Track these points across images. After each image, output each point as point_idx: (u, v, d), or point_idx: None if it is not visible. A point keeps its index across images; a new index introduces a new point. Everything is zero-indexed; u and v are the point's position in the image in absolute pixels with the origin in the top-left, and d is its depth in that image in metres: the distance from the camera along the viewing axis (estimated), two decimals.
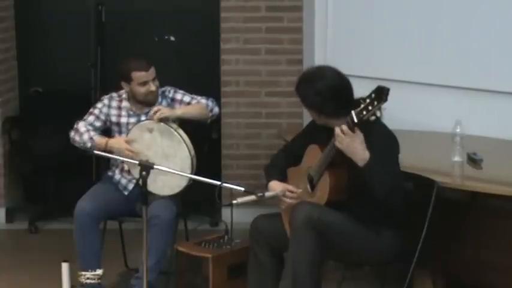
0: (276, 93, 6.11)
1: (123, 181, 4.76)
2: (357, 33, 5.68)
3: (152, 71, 4.68)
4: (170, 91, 4.80)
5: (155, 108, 4.60)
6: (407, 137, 4.63)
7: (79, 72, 6.25)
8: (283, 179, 4.13)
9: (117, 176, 4.78)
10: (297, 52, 6.10)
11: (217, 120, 5.86)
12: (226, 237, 4.63)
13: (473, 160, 4.33)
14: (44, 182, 6.28)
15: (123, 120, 4.76)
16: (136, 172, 4.48)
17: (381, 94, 3.54)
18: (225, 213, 5.72)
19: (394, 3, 5.48)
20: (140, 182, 3.82)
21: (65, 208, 5.58)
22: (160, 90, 4.77)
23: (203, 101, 4.79)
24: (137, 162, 3.88)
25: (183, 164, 4.48)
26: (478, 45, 5.03)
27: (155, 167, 3.82)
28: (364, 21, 5.64)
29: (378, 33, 5.56)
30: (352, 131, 3.66)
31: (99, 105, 4.80)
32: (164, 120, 4.54)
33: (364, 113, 3.59)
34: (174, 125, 4.57)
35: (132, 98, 4.73)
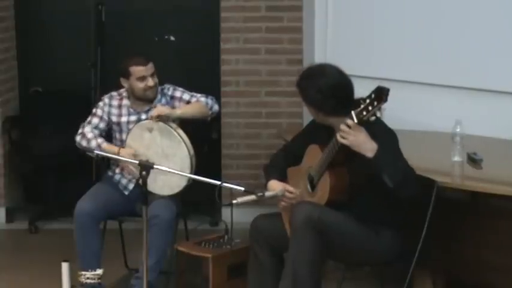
0: (276, 93, 6.11)
1: (124, 181, 4.76)
2: (357, 33, 5.68)
3: (151, 66, 4.68)
4: (169, 89, 4.80)
5: (154, 110, 4.60)
6: (408, 137, 4.63)
7: (79, 72, 6.25)
8: (282, 178, 4.13)
9: (117, 176, 4.78)
10: (297, 52, 6.10)
11: (217, 120, 5.87)
12: (226, 237, 4.64)
13: (473, 160, 4.32)
14: (44, 182, 6.29)
15: (124, 119, 4.76)
16: (136, 174, 4.49)
17: (380, 94, 3.54)
18: (225, 213, 5.72)
19: (394, 3, 5.48)
20: (140, 182, 3.82)
21: (65, 208, 5.59)
22: (160, 88, 4.77)
23: (202, 99, 4.78)
24: (137, 162, 3.88)
25: (183, 164, 4.48)
26: (478, 45, 5.03)
27: (155, 166, 3.82)
28: (364, 21, 5.64)
29: (378, 33, 5.55)
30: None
31: (100, 105, 4.80)
32: (164, 119, 4.54)
33: (364, 113, 3.59)
34: (174, 125, 4.57)
35: (132, 94, 4.73)
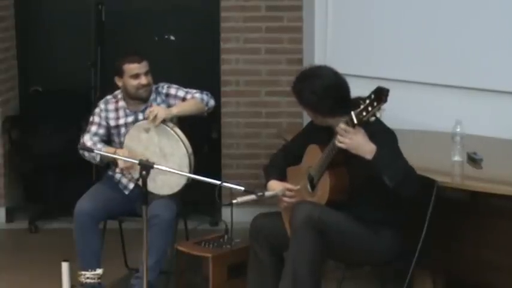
0: (276, 93, 6.11)
1: (124, 180, 4.76)
2: (357, 33, 5.68)
3: (144, 65, 4.67)
4: (164, 87, 4.79)
5: (151, 109, 4.59)
6: (408, 136, 4.63)
7: (79, 72, 6.26)
8: (282, 178, 4.13)
9: (118, 176, 4.77)
10: (297, 52, 6.10)
11: (217, 119, 5.87)
12: (226, 236, 4.63)
13: (473, 160, 4.32)
14: (44, 181, 6.29)
15: (121, 121, 4.75)
16: (136, 173, 4.48)
17: (380, 95, 3.53)
18: (225, 212, 5.72)
19: (394, 3, 5.48)
20: (140, 181, 3.82)
21: (65, 208, 5.59)
22: (154, 86, 4.77)
23: (197, 95, 4.76)
24: (137, 161, 3.87)
25: (181, 163, 4.47)
26: (478, 45, 5.03)
27: (155, 166, 3.82)
28: (364, 21, 5.64)
29: (378, 33, 5.55)
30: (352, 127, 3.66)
31: (97, 111, 4.79)
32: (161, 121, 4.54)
33: (364, 114, 3.58)
34: (171, 124, 4.57)
35: (125, 93, 4.72)
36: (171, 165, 4.27)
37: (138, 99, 4.71)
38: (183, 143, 4.50)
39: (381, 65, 5.47)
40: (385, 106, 3.56)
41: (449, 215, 4.20)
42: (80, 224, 4.55)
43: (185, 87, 4.82)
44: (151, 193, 4.27)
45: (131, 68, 4.65)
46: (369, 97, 3.57)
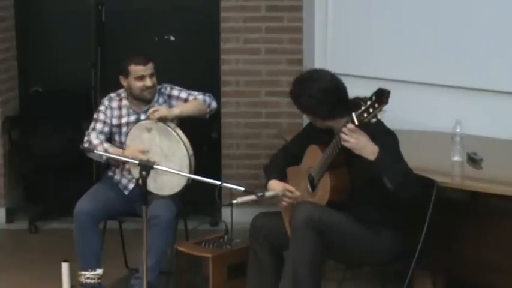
0: (276, 93, 6.11)
1: (124, 181, 4.76)
2: (357, 33, 5.68)
3: (150, 67, 4.67)
4: (167, 88, 4.79)
5: (153, 108, 4.60)
6: (408, 137, 4.63)
7: (79, 72, 6.25)
8: (282, 179, 4.13)
9: (117, 176, 4.77)
10: (297, 52, 6.10)
11: (217, 119, 5.87)
12: (226, 237, 4.63)
13: (473, 160, 4.32)
14: (44, 182, 6.28)
15: (123, 120, 4.75)
16: (136, 172, 4.48)
17: (381, 96, 3.53)
18: (225, 213, 5.72)
19: (393, 3, 5.48)
20: (140, 181, 3.82)
21: (65, 208, 5.59)
22: (157, 87, 4.77)
23: (200, 96, 4.77)
24: (137, 162, 3.88)
25: (182, 163, 4.47)
26: (478, 45, 5.03)
27: (155, 166, 3.82)
28: (364, 21, 5.64)
29: (377, 33, 5.55)
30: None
31: (102, 109, 4.77)
32: (162, 119, 4.54)
33: (365, 115, 3.58)
34: (172, 125, 4.57)
35: (130, 94, 4.72)
36: (172, 166, 4.27)
37: (142, 100, 4.71)
38: (184, 144, 4.51)
39: (381, 65, 5.47)
40: (385, 107, 3.56)
41: (449, 215, 4.20)
42: (80, 224, 4.55)
43: (187, 89, 4.83)
44: (151, 193, 4.27)
45: (137, 69, 4.64)
46: (369, 98, 3.57)
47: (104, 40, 6.24)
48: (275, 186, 4.07)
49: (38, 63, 6.43)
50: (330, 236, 3.81)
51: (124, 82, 4.71)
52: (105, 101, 4.80)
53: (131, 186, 4.74)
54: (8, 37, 6.35)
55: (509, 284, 4.08)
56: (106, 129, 4.74)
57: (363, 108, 3.58)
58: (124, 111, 4.76)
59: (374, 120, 3.62)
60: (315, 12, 5.90)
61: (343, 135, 3.68)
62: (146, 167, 3.80)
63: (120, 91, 4.80)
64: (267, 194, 3.98)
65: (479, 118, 4.90)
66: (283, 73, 6.05)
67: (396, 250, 3.95)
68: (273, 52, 6.11)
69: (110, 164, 4.85)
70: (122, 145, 4.70)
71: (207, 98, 4.78)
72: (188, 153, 4.50)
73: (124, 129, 4.73)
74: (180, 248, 4.57)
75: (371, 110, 3.56)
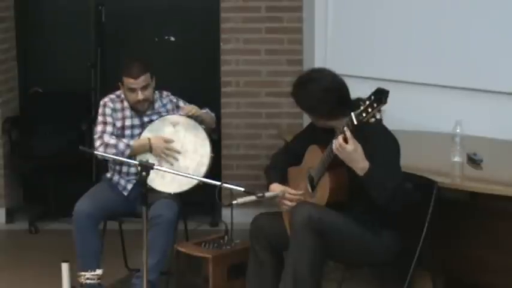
0: (276, 94, 6.11)
1: (122, 182, 4.76)
2: (357, 34, 5.68)
3: (143, 79, 4.61)
4: (169, 95, 4.83)
5: (189, 107, 4.66)
6: (408, 137, 4.63)
7: (79, 72, 6.26)
8: (283, 180, 4.13)
9: (116, 177, 4.77)
10: (297, 52, 6.10)
11: (217, 120, 5.87)
12: (226, 237, 4.64)
13: (473, 160, 4.33)
14: (44, 182, 6.28)
15: (127, 123, 4.73)
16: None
17: (380, 96, 3.53)
18: (225, 213, 5.72)
19: (394, 3, 5.48)
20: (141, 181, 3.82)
21: (64, 208, 5.58)
22: (158, 94, 4.77)
23: (210, 112, 4.88)
24: (137, 162, 3.87)
25: (201, 161, 4.50)
26: (478, 45, 5.03)
27: (155, 167, 3.81)
28: (364, 22, 5.64)
29: (378, 34, 5.56)
30: (352, 133, 3.66)
31: (107, 111, 4.73)
32: (194, 117, 4.59)
33: (364, 115, 3.58)
34: (202, 125, 4.63)
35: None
36: (188, 163, 4.27)
37: (135, 111, 4.71)
38: (210, 143, 4.54)
39: (381, 66, 5.47)
40: (385, 107, 3.56)
41: (449, 215, 4.20)
42: (80, 224, 4.55)
43: (186, 91, 4.87)
44: (153, 193, 4.27)
45: (128, 81, 4.63)
46: (368, 98, 3.57)
47: (104, 40, 6.24)
48: (276, 189, 4.06)
49: (38, 64, 6.43)
50: (329, 236, 3.81)
51: (122, 89, 4.71)
52: (109, 103, 4.74)
53: (130, 186, 4.74)
54: (8, 37, 6.35)
55: (509, 284, 4.09)
56: (115, 131, 4.72)
57: (362, 108, 3.58)
58: (127, 112, 4.74)
59: (373, 120, 3.62)
60: (315, 13, 5.90)
61: (334, 147, 3.70)
62: (146, 167, 3.79)
63: (119, 92, 4.78)
64: (267, 194, 3.97)
65: (479, 118, 4.90)
66: (283, 74, 6.05)
67: (396, 250, 3.95)
68: (273, 53, 6.11)
69: (109, 166, 4.84)
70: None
71: (214, 116, 4.89)
72: (211, 152, 4.53)
73: (128, 132, 4.72)
74: (180, 249, 4.57)
75: (370, 110, 3.56)
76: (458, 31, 5.12)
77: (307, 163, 4.03)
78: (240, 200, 3.82)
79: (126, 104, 4.76)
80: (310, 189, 3.99)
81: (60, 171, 6.20)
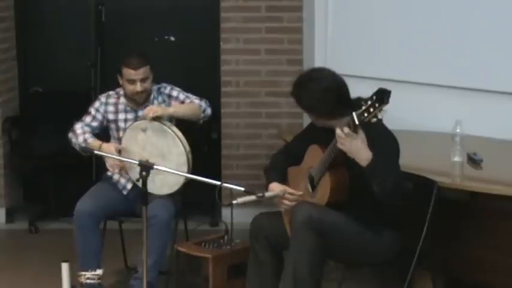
0: (276, 93, 6.11)
1: (122, 181, 4.76)
2: (357, 34, 5.68)
3: (142, 71, 4.63)
4: (166, 87, 4.79)
5: (147, 108, 4.59)
6: (408, 137, 4.63)
7: (79, 72, 6.26)
8: (283, 180, 4.13)
9: (116, 176, 4.77)
10: (297, 52, 6.10)
11: (217, 120, 5.87)
12: (226, 237, 4.64)
13: (473, 160, 4.33)
14: (44, 182, 6.28)
15: (121, 116, 4.75)
16: (133, 174, 4.48)
17: (382, 96, 3.52)
18: (225, 213, 5.72)
19: (394, 3, 5.48)
20: (140, 182, 3.81)
21: (65, 208, 5.58)
22: (156, 86, 4.77)
23: (196, 101, 4.77)
24: (137, 162, 3.87)
25: (179, 161, 4.46)
26: (478, 45, 5.03)
27: (155, 167, 3.81)
28: (364, 22, 5.64)
29: (378, 33, 5.56)
30: (354, 131, 3.66)
31: (96, 104, 4.80)
32: (158, 118, 4.54)
33: (366, 115, 3.58)
34: (168, 123, 4.56)
35: (124, 93, 4.74)
36: (169, 165, 4.27)
37: (134, 103, 4.72)
38: (181, 141, 4.49)
39: (381, 65, 5.47)
40: (386, 107, 3.56)
41: (449, 215, 4.20)
42: (80, 224, 4.55)
43: (186, 91, 4.82)
44: (150, 193, 4.27)
45: (128, 73, 4.63)
46: (370, 98, 3.56)
47: (103, 40, 6.25)
48: (275, 188, 4.06)
49: (38, 63, 6.43)
50: (329, 236, 3.81)
51: (120, 81, 4.72)
52: (102, 98, 4.80)
53: (129, 186, 4.74)
54: (8, 37, 6.35)
55: (509, 284, 4.09)
56: (94, 123, 4.75)
57: (363, 107, 3.57)
58: (121, 107, 4.77)
59: (374, 120, 3.61)
60: (315, 13, 5.90)
61: (338, 138, 3.69)
62: (146, 167, 3.79)
63: (119, 89, 4.81)
64: (267, 194, 3.98)
65: (479, 118, 4.90)
66: (283, 73, 6.05)
67: (396, 250, 3.95)
68: (273, 52, 6.11)
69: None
70: (119, 142, 4.70)
71: (203, 104, 4.78)
72: (185, 149, 4.48)
73: (121, 125, 4.73)
74: (180, 248, 4.57)
75: (372, 110, 3.55)
76: (458, 31, 5.12)
77: (307, 163, 4.03)
78: (240, 200, 3.82)
79: (121, 99, 4.77)
80: (310, 189, 3.99)
81: (60, 171, 6.21)
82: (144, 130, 4.56)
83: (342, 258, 4.02)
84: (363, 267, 4.49)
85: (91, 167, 6.00)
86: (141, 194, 3.84)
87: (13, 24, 6.40)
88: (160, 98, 4.74)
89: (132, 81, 4.64)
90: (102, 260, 4.62)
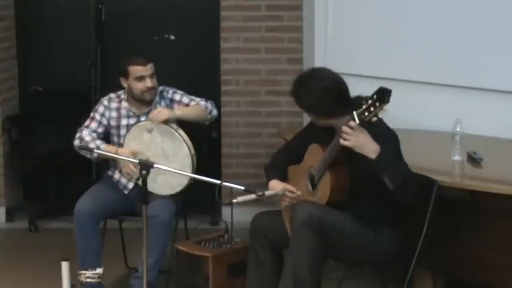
0: (276, 92, 6.11)
1: (123, 180, 4.76)
2: (357, 32, 5.68)
3: (150, 67, 4.65)
4: (169, 91, 4.79)
5: (155, 111, 4.59)
6: (408, 136, 4.62)
7: (79, 72, 6.26)
8: (283, 179, 4.13)
9: (117, 175, 4.77)
10: (296, 51, 6.10)
11: (217, 119, 5.86)
12: (226, 236, 4.64)
13: (473, 159, 4.33)
14: (44, 181, 6.28)
15: (123, 122, 4.74)
16: (136, 172, 4.48)
17: (383, 95, 3.53)
18: (225, 212, 5.72)
19: (394, 2, 5.48)
20: (140, 181, 3.81)
21: (65, 207, 5.59)
22: (159, 89, 4.76)
23: (202, 103, 4.78)
24: (137, 161, 3.87)
25: (184, 163, 4.48)
26: (478, 44, 5.03)
27: (155, 165, 3.81)
28: (364, 21, 5.64)
29: (378, 32, 5.55)
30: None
31: (100, 109, 4.76)
32: (165, 121, 4.54)
33: (366, 114, 3.58)
34: (174, 125, 4.57)
35: (130, 95, 4.71)
36: (173, 166, 4.27)
37: (143, 102, 4.70)
38: (186, 144, 4.51)
39: (381, 64, 5.47)
40: (386, 106, 3.56)
41: (449, 214, 4.20)
42: (80, 223, 4.55)
43: (187, 89, 4.83)
44: (151, 193, 4.27)
45: (136, 70, 4.63)
46: (371, 97, 3.56)
47: (103, 40, 6.24)
48: (276, 186, 4.06)
49: (38, 63, 6.43)
50: (330, 235, 3.81)
51: (125, 84, 4.70)
52: (105, 101, 4.78)
53: (130, 185, 4.74)
54: (8, 36, 6.35)
55: (509, 284, 4.09)
56: (100, 129, 4.73)
57: (364, 107, 3.58)
58: (123, 112, 4.75)
59: (375, 119, 3.62)
60: (315, 12, 5.91)
61: (343, 134, 3.68)
62: (146, 166, 3.79)
63: (120, 92, 4.79)
64: (267, 193, 3.98)
65: (479, 118, 4.90)
66: (283, 72, 6.05)
67: (396, 249, 3.95)
68: (273, 51, 6.11)
69: (110, 164, 4.85)
70: (120, 146, 4.69)
71: (209, 105, 4.79)
72: (190, 152, 4.50)
73: (123, 131, 4.72)
74: (180, 247, 4.57)
75: (372, 109, 3.56)
76: (458, 29, 5.12)
77: (308, 162, 4.03)
78: (240, 199, 3.82)
79: (123, 104, 4.75)
80: (310, 188, 3.99)
81: (60, 170, 6.21)
82: (149, 131, 4.57)
83: (342, 257, 4.02)
84: (363, 266, 4.49)
85: (91, 166, 6.00)
86: (142, 193, 3.84)
87: (13, 23, 6.40)
88: (163, 103, 4.74)
89: (141, 78, 4.62)
90: (102, 259, 4.62)
